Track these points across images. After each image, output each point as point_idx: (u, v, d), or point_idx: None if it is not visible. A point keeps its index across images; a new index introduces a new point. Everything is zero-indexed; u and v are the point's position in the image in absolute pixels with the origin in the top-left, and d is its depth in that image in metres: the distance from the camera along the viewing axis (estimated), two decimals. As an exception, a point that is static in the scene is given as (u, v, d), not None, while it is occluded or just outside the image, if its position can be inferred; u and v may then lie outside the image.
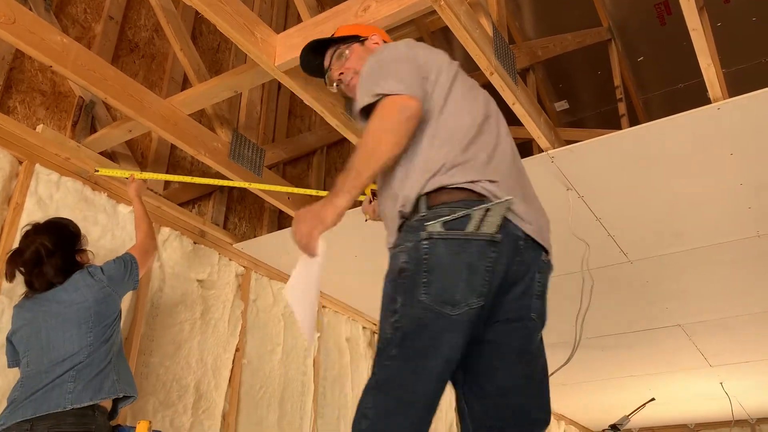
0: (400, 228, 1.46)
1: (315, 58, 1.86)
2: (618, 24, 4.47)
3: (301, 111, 4.47)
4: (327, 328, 4.21)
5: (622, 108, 4.18)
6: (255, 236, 3.75)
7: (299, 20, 2.73)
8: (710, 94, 2.54)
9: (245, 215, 3.89)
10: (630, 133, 2.69)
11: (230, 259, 3.59)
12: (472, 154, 1.46)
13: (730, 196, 2.96)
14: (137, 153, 3.30)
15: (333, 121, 2.83)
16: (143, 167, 3.30)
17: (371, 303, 4.43)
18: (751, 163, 2.74)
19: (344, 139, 3.82)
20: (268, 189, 3.21)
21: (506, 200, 1.39)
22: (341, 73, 1.77)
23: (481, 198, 1.41)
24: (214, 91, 2.85)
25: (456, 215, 1.36)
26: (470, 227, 1.36)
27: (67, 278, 2.23)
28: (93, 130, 3.06)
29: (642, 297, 4.05)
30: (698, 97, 2.62)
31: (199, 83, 2.98)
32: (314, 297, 1.49)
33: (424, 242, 1.36)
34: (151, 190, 3.19)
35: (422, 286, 1.33)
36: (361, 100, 1.49)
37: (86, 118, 3.05)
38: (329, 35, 1.89)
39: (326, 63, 1.82)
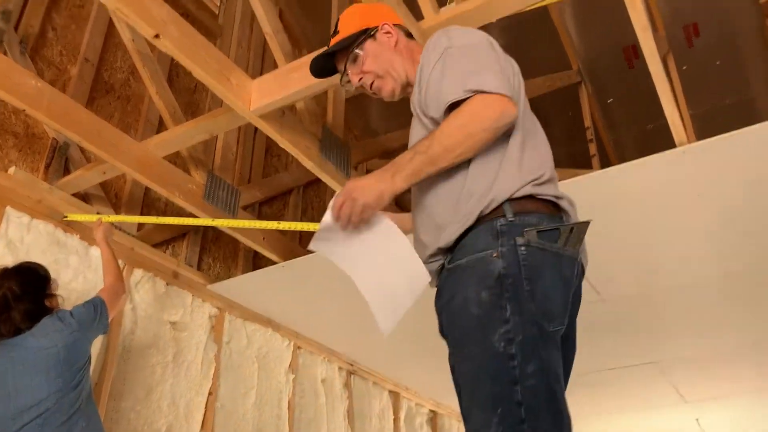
0: (470, 230, 1.33)
1: (326, 62, 1.73)
2: (588, 67, 4.58)
3: (278, 150, 4.48)
4: (302, 369, 4.17)
5: (592, 148, 4.28)
6: (229, 277, 3.72)
7: (276, 65, 2.76)
8: (675, 138, 2.61)
9: (219, 256, 3.87)
10: (600, 176, 2.75)
11: (204, 300, 3.55)
12: (554, 171, 1.42)
13: (700, 236, 3.02)
14: (111, 194, 3.28)
15: (308, 164, 2.85)
16: (117, 208, 3.27)
17: (347, 343, 4.42)
18: (718, 204, 2.80)
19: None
20: (234, 226, 3.15)
21: (588, 221, 1.34)
22: (361, 78, 1.64)
23: (560, 214, 1.37)
24: (189, 134, 2.87)
25: (547, 227, 1.30)
26: (560, 242, 1.30)
27: (35, 323, 2.19)
28: (67, 171, 3.05)
29: (615, 335, 4.08)
30: (668, 137, 2.69)
31: (175, 126, 2.99)
32: (374, 272, 1.37)
33: (522, 248, 1.27)
34: (125, 231, 3.17)
35: (527, 294, 1.24)
36: (450, 94, 1.35)
37: (60, 159, 3.03)
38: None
39: (341, 67, 1.69)
